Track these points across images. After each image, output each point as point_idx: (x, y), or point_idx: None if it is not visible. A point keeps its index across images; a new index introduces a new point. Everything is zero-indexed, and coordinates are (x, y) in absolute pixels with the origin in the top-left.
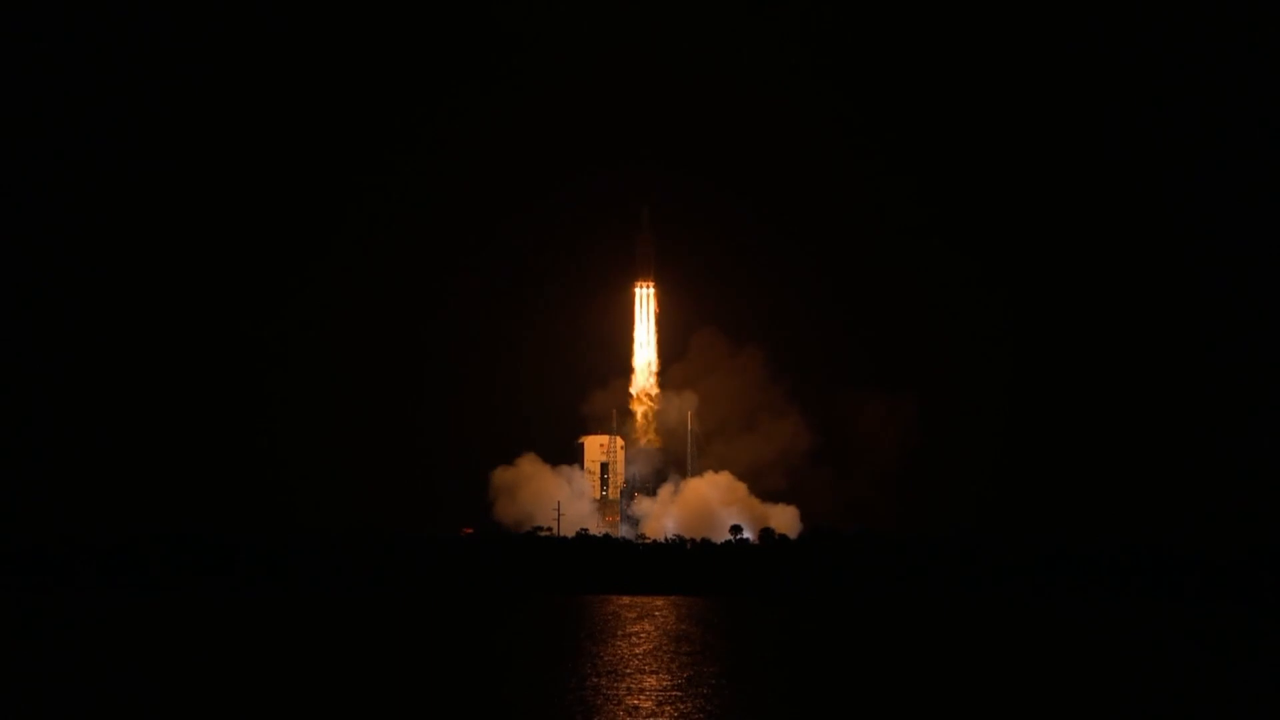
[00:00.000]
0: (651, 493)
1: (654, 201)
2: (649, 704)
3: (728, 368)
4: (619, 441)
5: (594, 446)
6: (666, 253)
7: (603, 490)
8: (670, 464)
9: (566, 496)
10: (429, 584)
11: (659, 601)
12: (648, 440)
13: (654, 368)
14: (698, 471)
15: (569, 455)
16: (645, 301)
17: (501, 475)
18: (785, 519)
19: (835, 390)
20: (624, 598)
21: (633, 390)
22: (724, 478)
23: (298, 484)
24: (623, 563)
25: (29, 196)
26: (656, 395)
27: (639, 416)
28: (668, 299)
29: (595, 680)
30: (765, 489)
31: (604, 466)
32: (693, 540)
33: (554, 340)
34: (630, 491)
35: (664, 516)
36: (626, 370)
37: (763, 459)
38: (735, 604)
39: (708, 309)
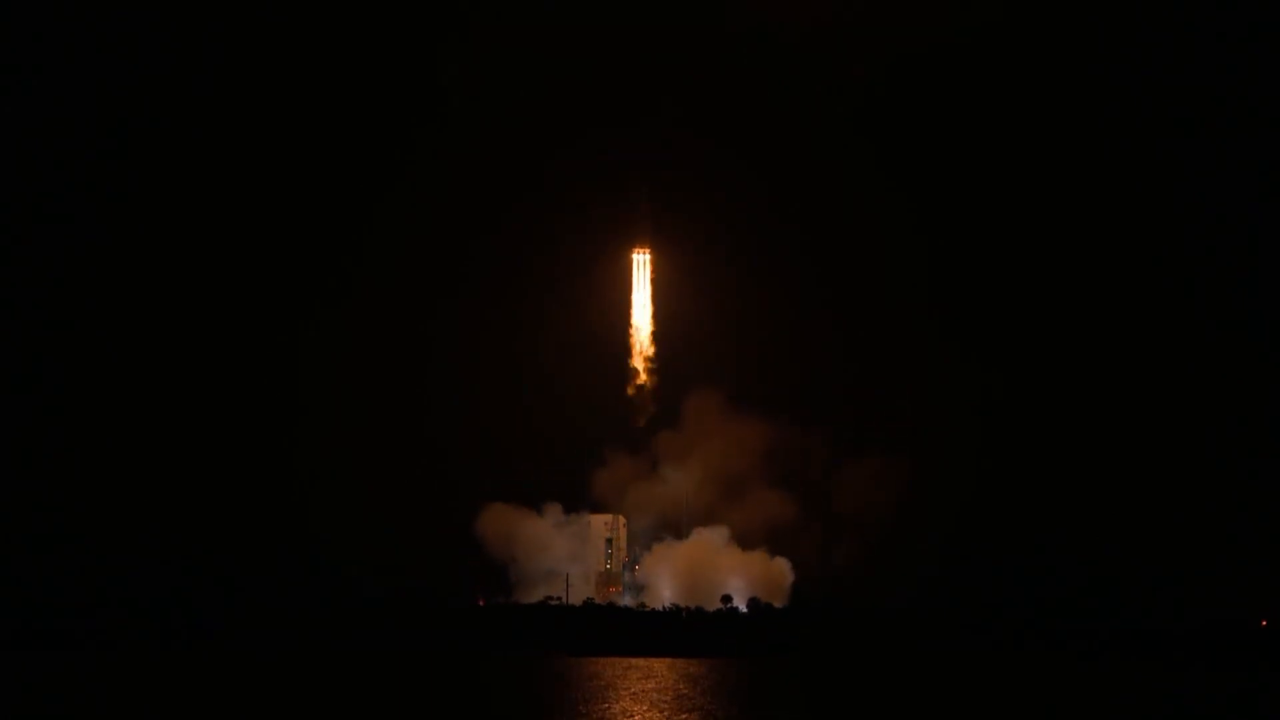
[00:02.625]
0: (648, 549)
1: (652, 175)
2: None
3: (724, 435)
4: (621, 520)
5: (599, 524)
6: (663, 221)
7: (607, 564)
8: (667, 530)
9: (579, 572)
10: (444, 646)
11: (660, 663)
12: (638, 387)
13: (649, 331)
14: (688, 534)
15: (580, 477)
16: (642, 267)
17: (501, 518)
18: (778, 570)
19: (831, 450)
20: (627, 659)
21: (633, 358)
22: (718, 534)
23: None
24: (626, 628)
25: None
26: (651, 361)
27: (636, 373)
28: (664, 264)
29: None
30: (756, 545)
31: (608, 542)
32: (688, 608)
33: (557, 337)
34: (632, 564)
35: (662, 586)
36: (628, 438)
37: (753, 523)
38: (727, 665)
39: (700, 277)
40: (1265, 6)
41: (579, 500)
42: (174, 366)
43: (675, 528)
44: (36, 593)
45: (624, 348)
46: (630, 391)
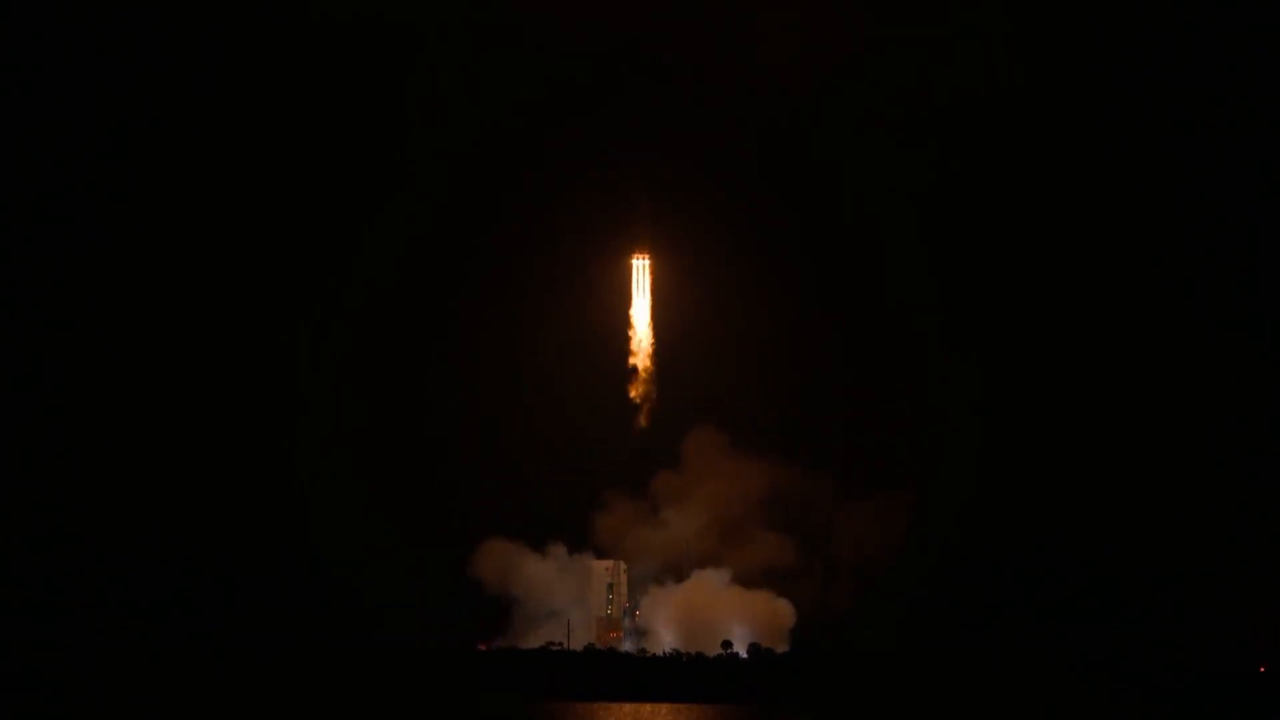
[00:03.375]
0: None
1: (651, 177)
2: None
3: (725, 476)
4: (622, 565)
5: (599, 570)
6: (663, 224)
7: (607, 609)
8: (669, 574)
9: (580, 618)
10: (445, 690)
11: (664, 708)
12: (644, 386)
13: (649, 337)
14: (689, 574)
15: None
16: (641, 273)
17: (500, 556)
18: (781, 613)
19: (833, 492)
20: (630, 705)
21: (633, 360)
22: (719, 576)
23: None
24: (628, 674)
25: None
26: (650, 368)
27: (637, 378)
28: (664, 270)
29: None
30: (758, 587)
31: (609, 587)
32: (688, 654)
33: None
34: (633, 610)
35: (663, 630)
36: (631, 481)
37: (754, 566)
38: (735, 712)
39: (701, 286)
40: (1265, 6)
41: (581, 540)
42: (174, 366)
43: (677, 571)
44: (37, 593)
45: (624, 355)
46: (632, 394)
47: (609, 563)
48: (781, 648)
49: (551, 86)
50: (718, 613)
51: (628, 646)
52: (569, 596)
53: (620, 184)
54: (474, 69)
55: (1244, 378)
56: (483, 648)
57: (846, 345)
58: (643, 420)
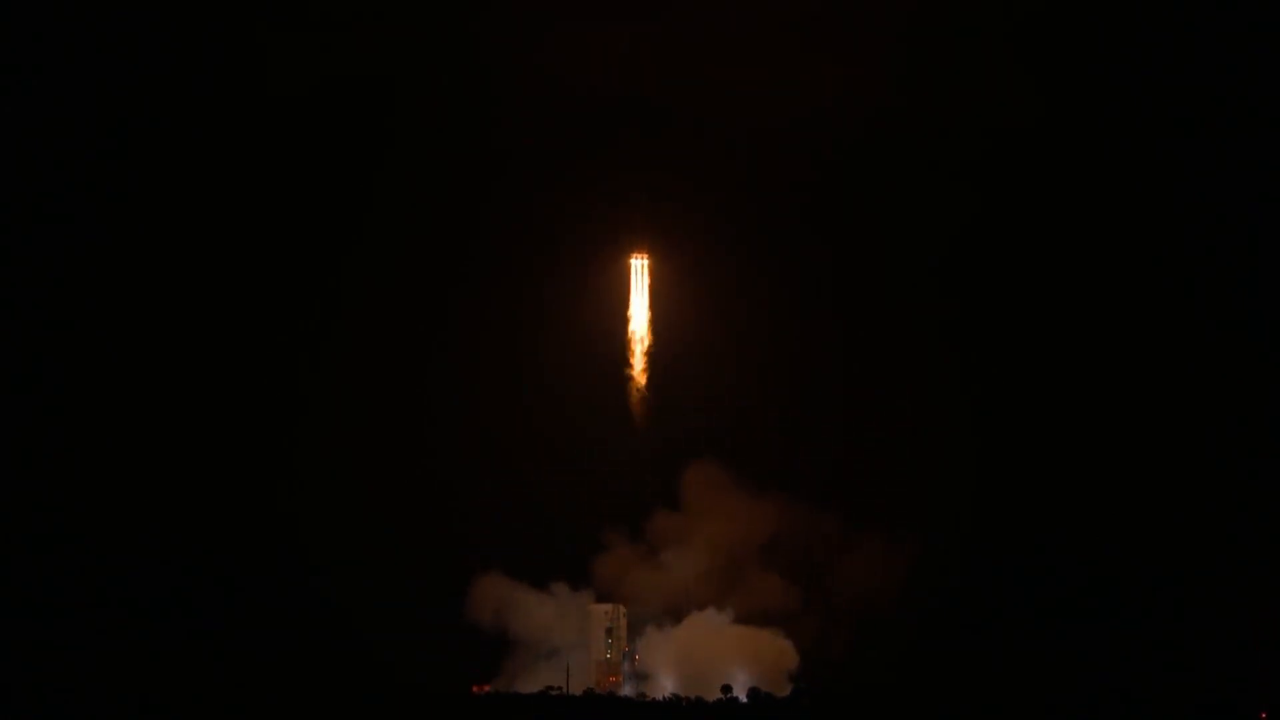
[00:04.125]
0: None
1: (652, 175)
2: None
3: (725, 515)
4: (621, 609)
5: (599, 613)
6: (663, 224)
7: (607, 653)
8: (669, 617)
9: (579, 661)
10: None
11: None
12: (640, 392)
13: (647, 334)
14: (688, 613)
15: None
16: (640, 273)
17: (497, 592)
18: (783, 655)
19: (837, 532)
20: None
21: (630, 359)
22: (719, 618)
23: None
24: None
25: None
26: (645, 369)
27: (633, 381)
28: (663, 271)
29: None
30: (758, 623)
31: (608, 631)
32: (688, 699)
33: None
34: (632, 655)
35: (662, 674)
36: (630, 519)
37: (754, 609)
38: None
39: (702, 289)
40: (1265, 6)
41: (583, 577)
42: (173, 366)
43: (677, 614)
44: (37, 593)
45: (623, 360)
46: (633, 401)
47: (608, 606)
48: (783, 690)
49: (551, 85)
50: (718, 655)
51: (627, 691)
52: (568, 639)
53: (620, 184)
54: (473, 68)
55: (1244, 378)
56: (476, 690)
57: (848, 351)
58: (640, 425)
